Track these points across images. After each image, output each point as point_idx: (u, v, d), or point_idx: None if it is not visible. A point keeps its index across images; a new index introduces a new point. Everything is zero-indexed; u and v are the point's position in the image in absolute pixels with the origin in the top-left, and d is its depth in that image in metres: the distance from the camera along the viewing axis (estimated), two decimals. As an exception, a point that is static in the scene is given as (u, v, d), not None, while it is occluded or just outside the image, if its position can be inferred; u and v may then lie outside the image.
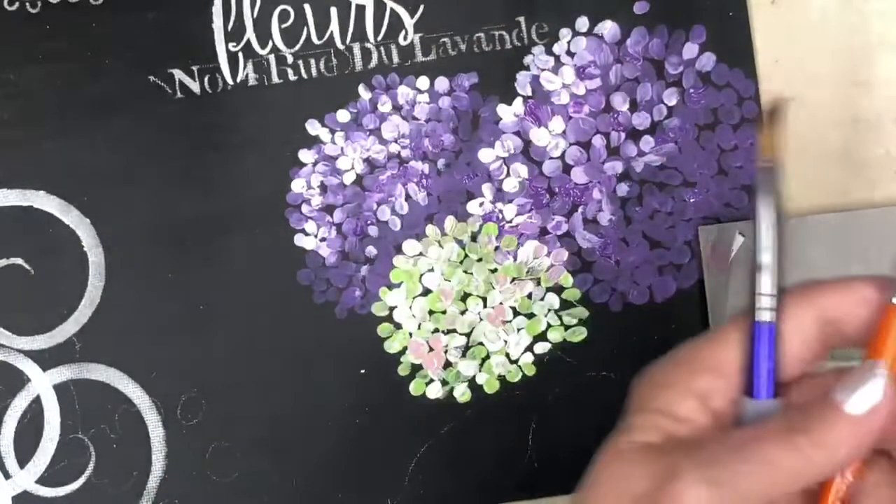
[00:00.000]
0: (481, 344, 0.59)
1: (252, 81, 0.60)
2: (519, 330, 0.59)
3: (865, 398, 0.33)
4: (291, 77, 0.60)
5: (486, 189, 0.59)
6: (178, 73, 0.60)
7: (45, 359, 0.59)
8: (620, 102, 0.59)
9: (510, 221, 0.59)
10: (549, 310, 0.59)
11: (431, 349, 0.59)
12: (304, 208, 0.59)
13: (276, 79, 0.60)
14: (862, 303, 0.36)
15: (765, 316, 0.36)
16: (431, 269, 0.59)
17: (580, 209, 0.59)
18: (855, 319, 0.36)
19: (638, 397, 0.39)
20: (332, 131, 0.60)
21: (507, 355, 0.59)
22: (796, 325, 0.37)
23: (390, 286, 0.59)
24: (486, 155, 0.59)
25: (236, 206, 0.59)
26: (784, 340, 0.37)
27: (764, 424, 0.34)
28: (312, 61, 0.60)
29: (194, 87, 0.60)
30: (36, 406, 0.59)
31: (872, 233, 0.57)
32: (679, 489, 0.33)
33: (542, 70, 0.59)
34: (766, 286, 0.36)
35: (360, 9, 0.60)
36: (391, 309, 0.59)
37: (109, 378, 0.59)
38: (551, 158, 0.59)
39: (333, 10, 0.60)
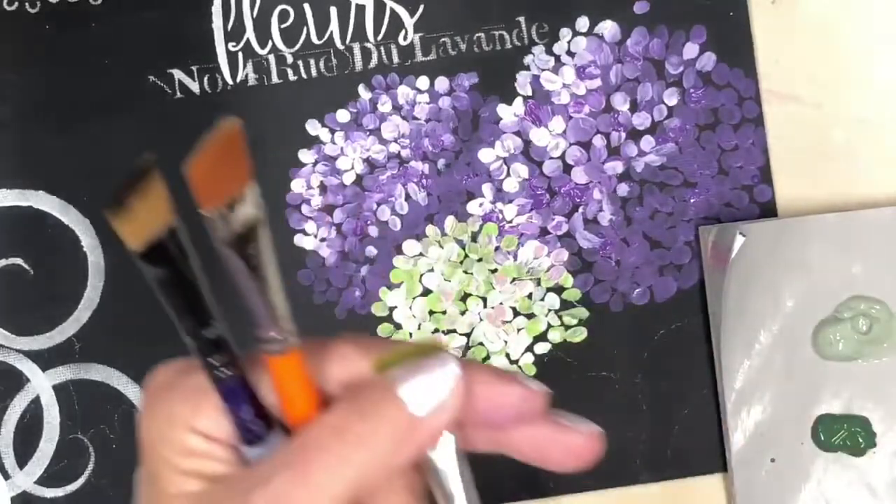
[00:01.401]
0: (481, 344, 0.59)
1: (252, 81, 0.60)
2: (519, 330, 0.59)
3: (428, 398, 0.31)
4: (291, 77, 0.60)
5: (486, 189, 0.59)
6: (178, 73, 0.60)
7: (45, 359, 0.59)
8: (621, 102, 0.59)
9: (510, 221, 0.59)
10: (550, 310, 0.59)
11: (431, 349, 0.59)
12: (304, 208, 0.59)
13: (275, 79, 0.60)
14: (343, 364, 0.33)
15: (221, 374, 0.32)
16: (431, 270, 0.59)
17: (580, 209, 0.59)
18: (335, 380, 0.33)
19: (149, 438, 0.33)
20: (332, 131, 0.60)
21: (508, 356, 0.59)
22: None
23: (390, 286, 0.59)
24: (486, 155, 0.59)
25: (236, 206, 0.59)
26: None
27: (314, 428, 0.31)
28: (312, 61, 0.60)
29: (194, 87, 0.60)
30: (35, 406, 0.59)
31: (872, 233, 0.57)
32: None
33: (543, 70, 0.59)
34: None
35: (360, 8, 0.60)
36: (391, 309, 0.59)
37: (109, 378, 0.59)
38: (551, 158, 0.59)
39: (333, 10, 0.60)
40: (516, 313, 0.59)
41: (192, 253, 0.32)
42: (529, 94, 0.59)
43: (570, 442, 0.35)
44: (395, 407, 0.31)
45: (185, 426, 0.33)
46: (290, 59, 0.60)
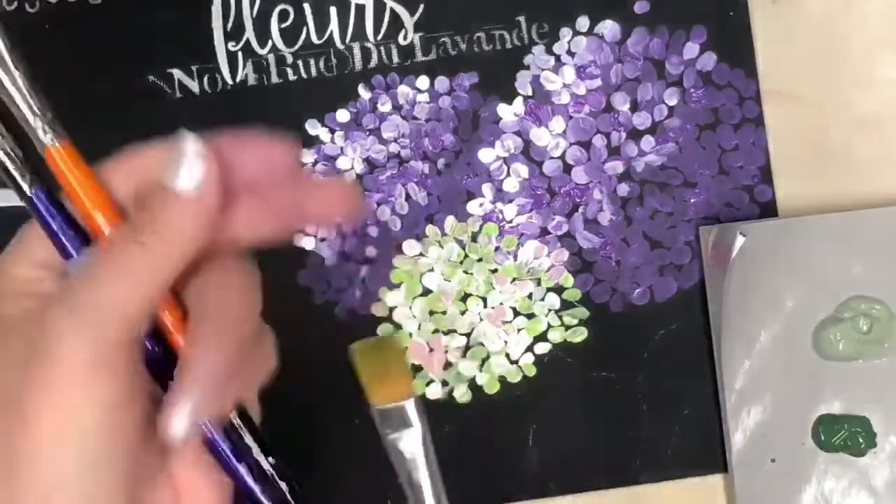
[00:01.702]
0: (481, 344, 0.59)
1: (252, 81, 0.60)
2: (519, 330, 0.59)
3: (190, 174, 0.34)
4: (291, 77, 0.60)
5: (486, 189, 0.59)
6: (178, 73, 0.60)
7: (45, 359, 0.59)
8: (621, 102, 0.59)
9: (510, 221, 0.59)
10: (550, 310, 0.59)
11: (431, 350, 0.59)
12: (304, 208, 0.59)
13: (275, 78, 0.60)
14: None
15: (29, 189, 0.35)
16: (431, 270, 0.59)
17: (580, 209, 0.59)
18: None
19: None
20: (332, 131, 0.60)
21: (508, 356, 0.59)
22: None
23: (390, 286, 0.59)
24: (486, 155, 0.59)
25: (236, 206, 0.59)
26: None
27: (112, 239, 0.34)
28: (312, 61, 0.60)
29: (194, 86, 0.60)
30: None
31: (872, 233, 0.57)
32: (47, 330, 0.32)
33: (543, 70, 0.59)
34: None
35: (360, 8, 0.60)
36: (391, 309, 0.59)
37: (109, 378, 0.59)
38: (552, 158, 0.59)
39: (333, 10, 0.60)
40: (516, 313, 0.59)
41: None
42: (529, 93, 0.59)
43: (329, 190, 0.37)
44: (171, 203, 0.33)
45: (12, 260, 0.36)
46: (289, 59, 0.60)
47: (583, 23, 0.59)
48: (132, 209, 0.36)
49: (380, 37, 0.60)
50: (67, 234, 0.35)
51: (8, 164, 0.35)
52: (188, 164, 0.34)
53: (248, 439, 0.36)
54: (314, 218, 0.38)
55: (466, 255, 0.59)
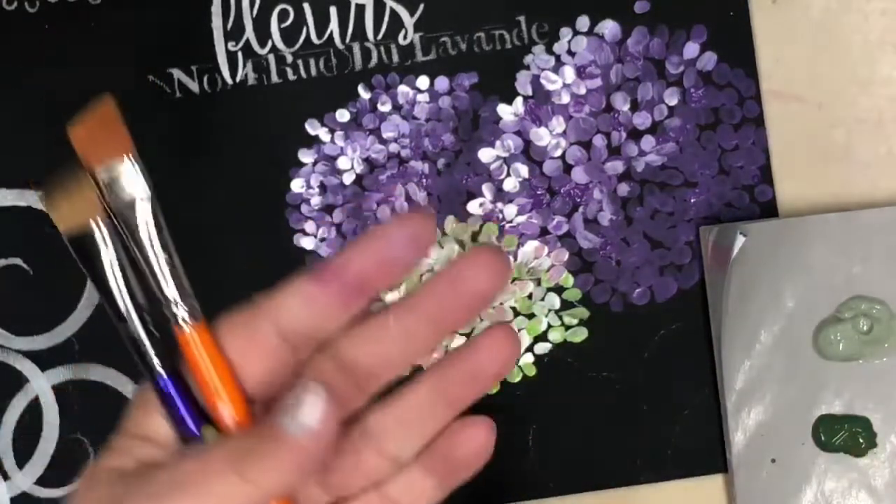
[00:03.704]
0: (481, 344, 0.59)
1: (251, 81, 0.60)
2: (519, 330, 0.59)
3: (304, 422, 0.32)
4: (291, 77, 0.60)
5: (486, 189, 0.59)
6: (178, 73, 0.60)
7: (44, 359, 0.59)
8: (621, 102, 0.59)
9: (510, 221, 0.59)
10: (550, 310, 0.59)
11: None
12: (304, 208, 0.59)
13: (275, 78, 0.60)
14: (302, 301, 0.35)
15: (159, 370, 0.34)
16: (431, 270, 0.59)
17: (581, 209, 0.59)
18: (304, 321, 0.35)
19: (125, 416, 0.37)
20: (332, 131, 0.60)
21: (508, 355, 0.59)
22: (246, 344, 0.35)
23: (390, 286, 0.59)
24: (486, 155, 0.59)
25: (236, 206, 0.59)
26: (238, 363, 0.35)
27: (211, 452, 0.33)
28: (312, 61, 0.60)
29: (193, 86, 0.60)
30: (35, 407, 0.59)
31: (873, 233, 0.57)
32: None
33: (543, 70, 0.59)
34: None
35: (360, 8, 0.60)
36: (391, 309, 0.59)
37: (109, 378, 0.59)
38: (552, 158, 0.59)
39: (333, 10, 0.60)
40: (517, 313, 0.59)
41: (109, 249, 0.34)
42: (529, 93, 0.59)
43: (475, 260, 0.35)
44: (283, 445, 0.32)
45: (127, 432, 0.36)
46: (289, 59, 0.60)
47: (583, 23, 0.59)
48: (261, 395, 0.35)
49: (380, 37, 0.60)
50: (187, 412, 0.34)
51: (145, 339, 0.34)
52: (305, 413, 0.32)
53: None
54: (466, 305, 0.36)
55: (466, 255, 0.59)
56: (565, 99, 0.59)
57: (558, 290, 0.59)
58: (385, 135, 0.59)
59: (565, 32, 0.59)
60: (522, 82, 0.59)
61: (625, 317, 0.59)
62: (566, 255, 0.59)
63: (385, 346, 0.35)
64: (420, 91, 0.60)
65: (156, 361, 0.34)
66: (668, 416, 0.58)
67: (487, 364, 0.36)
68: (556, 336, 0.59)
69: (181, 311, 0.34)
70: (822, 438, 0.56)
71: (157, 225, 0.34)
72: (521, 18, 0.60)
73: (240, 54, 0.60)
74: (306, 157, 0.59)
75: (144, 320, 0.34)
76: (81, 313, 0.59)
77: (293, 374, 0.35)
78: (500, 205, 0.59)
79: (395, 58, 0.60)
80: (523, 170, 0.59)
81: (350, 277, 0.34)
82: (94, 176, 0.33)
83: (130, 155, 0.33)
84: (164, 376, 0.34)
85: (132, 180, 0.33)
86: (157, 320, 0.34)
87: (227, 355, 0.34)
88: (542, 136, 0.59)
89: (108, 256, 0.34)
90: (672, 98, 0.59)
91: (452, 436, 0.37)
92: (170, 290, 0.34)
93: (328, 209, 0.59)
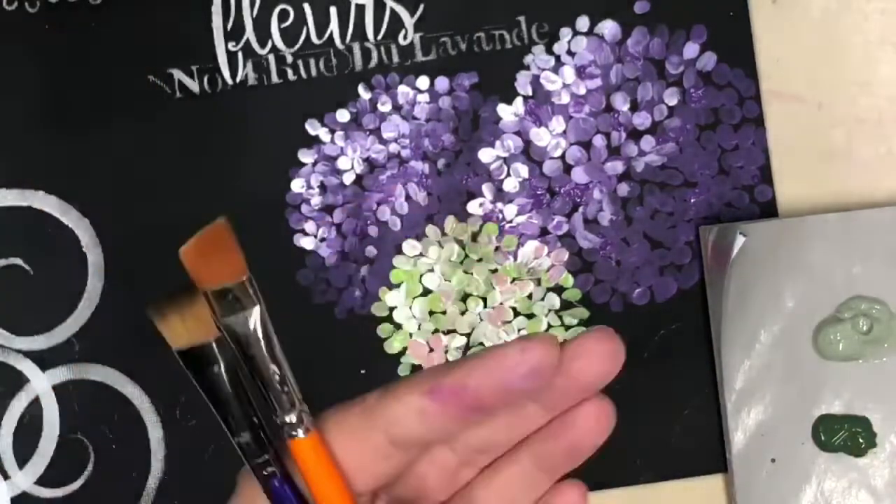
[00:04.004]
0: (482, 344, 0.59)
1: (252, 81, 0.60)
2: (519, 330, 0.59)
3: None
4: (291, 77, 0.60)
5: (486, 189, 0.59)
6: (178, 73, 0.60)
7: (44, 359, 0.59)
8: (621, 102, 0.59)
9: (510, 221, 0.59)
10: (550, 310, 0.59)
11: (432, 350, 0.59)
12: (304, 208, 0.59)
13: (275, 78, 0.60)
14: (416, 415, 0.35)
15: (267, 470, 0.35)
16: (431, 270, 0.59)
17: (580, 209, 0.59)
18: (416, 432, 0.35)
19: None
20: (332, 131, 0.60)
21: (508, 355, 0.59)
22: (357, 446, 0.35)
23: (390, 286, 0.59)
24: (486, 155, 0.59)
25: (236, 205, 0.59)
26: (346, 462, 0.35)
27: None
28: (312, 61, 0.60)
29: (194, 87, 0.60)
30: (35, 407, 0.59)
31: (872, 233, 0.57)
32: None
33: (543, 70, 0.59)
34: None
35: (360, 8, 0.60)
36: (391, 309, 0.59)
37: (109, 378, 0.59)
38: (552, 158, 0.59)
39: (333, 10, 0.60)
40: (517, 313, 0.59)
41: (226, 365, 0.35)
42: (529, 93, 0.59)
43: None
44: None
45: None
46: (289, 59, 0.60)
47: (583, 23, 0.59)
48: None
49: (380, 37, 0.60)
50: None
51: (258, 449, 0.35)
52: None
53: None
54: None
55: (466, 255, 0.59)
56: (565, 99, 0.59)
57: (558, 290, 0.59)
58: (385, 135, 0.59)
59: (565, 32, 0.59)
60: (522, 82, 0.59)
61: (625, 317, 0.59)
62: (566, 255, 0.59)
63: (495, 430, 0.36)
64: (420, 91, 0.60)
65: (269, 469, 0.35)
66: (668, 416, 0.58)
67: (586, 438, 0.36)
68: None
69: (294, 423, 0.34)
70: (822, 438, 0.56)
71: (268, 341, 0.34)
72: (521, 18, 0.60)
73: (240, 54, 0.60)
74: (306, 157, 0.59)
75: (256, 430, 0.35)
76: (81, 313, 0.59)
77: (399, 468, 0.36)
78: (500, 205, 0.59)
79: (395, 58, 0.60)
80: (523, 170, 0.59)
81: (468, 399, 0.34)
82: (207, 295, 0.34)
83: (244, 275, 0.34)
84: (277, 483, 0.35)
85: (245, 300, 0.34)
86: (268, 429, 0.35)
87: (337, 457, 0.35)
88: (542, 136, 0.59)
89: (220, 371, 0.35)
90: (672, 98, 0.59)
91: (548, 499, 0.37)
92: (283, 402, 0.35)
93: (328, 209, 0.59)
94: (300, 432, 0.34)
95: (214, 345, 0.35)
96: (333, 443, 0.35)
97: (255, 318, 0.34)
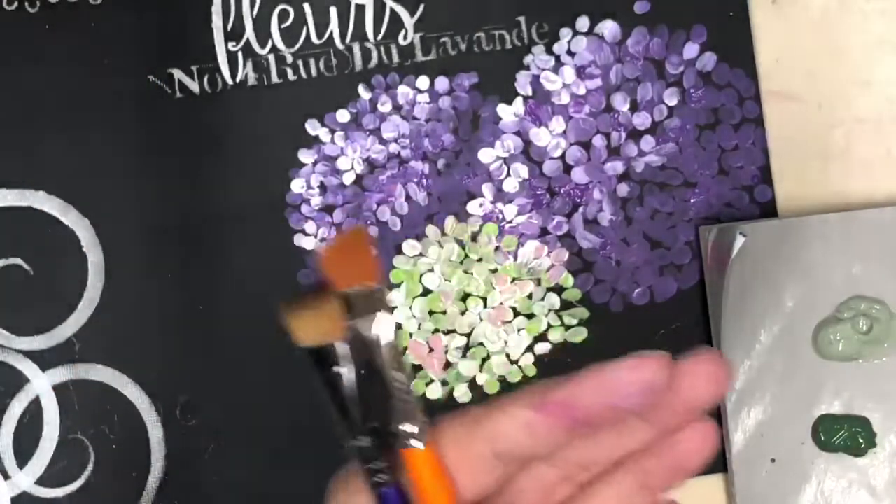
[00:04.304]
0: (481, 344, 0.59)
1: (252, 81, 0.60)
2: (519, 330, 0.59)
3: None
4: (291, 77, 0.60)
5: (486, 189, 0.59)
6: (178, 73, 0.60)
7: (45, 359, 0.59)
8: (621, 102, 0.59)
9: (510, 221, 0.59)
10: (550, 310, 0.59)
11: (431, 350, 0.59)
12: (304, 208, 0.59)
13: (275, 78, 0.60)
14: (523, 428, 0.34)
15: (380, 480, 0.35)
16: (431, 270, 0.59)
17: (580, 209, 0.59)
18: (522, 446, 0.35)
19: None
20: (332, 131, 0.60)
21: (508, 356, 0.59)
22: (461, 457, 0.35)
23: (390, 286, 0.59)
24: (486, 155, 0.59)
25: (236, 206, 0.59)
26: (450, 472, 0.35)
27: None
28: (312, 61, 0.60)
29: (194, 87, 0.60)
30: (35, 407, 0.59)
31: (872, 233, 0.57)
32: None
33: (543, 70, 0.59)
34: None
35: (360, 8, 0.60)
36: (391, 309, 0.59)
37: (109, 378, 0.59)
38: (551, 158, 0.59)
39: (333, 10, 0.60)
40: (516, 313, 0.59)
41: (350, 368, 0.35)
42: (529, 94, 0.59)
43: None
44: None
45: None
46: (290, 59, 0.60)
47: (583, 23, 0.59)
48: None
49: (380, 37, 0.60)
50: None
51: (373, 454, 0.35)
52: None
53: None
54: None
55: (466, 255, 0.59)
56: (565, 99, 0.59)
57: (558, 290, 0.59)
58: (385, 135, 0.59)
59: (565, 33, 0.59)
60: (522, 82, 0.59)
61: (625, 317, 0.59)
62: (566, 255, 0.59)
63: (598, 446, 0.36)
64: (420, 91, 0.60)
65: (382, 476, 0.35)
66: (668, 415, 0.58)
67: (691, 458, 0.36)
68: (556, 336, 0.59)
69: (413, 433, 0.35)
70: (822, 438, 0.56)
71: (396, 349, 0.35)
72: (521, 18, 0.60)
73: (240, 54, 0.60)
74: (306, 157, 0.60)
75: (374, 434, 0.35)
76: (81, 313, 0.59)
77: (499, 481, 0.35)
78: (500, 205, 0.59)
79: (395, 58, 0.60)
80: (523, 170, 0.59)
81: (577, 414, 0.34)
82: (341, 298, 0.34)
83: (378, 281, 0.35)
84: (388, 491, 0.35)
85: (377, 305, 0.34)
86: (385, 436, 0.35)
87: (447, 471, 0.35)
88: (542, 137, 0.59)
89: (344, 372, 0.35)
90: (672, 98, 0.59)
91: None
92: (404, 411, 0.35)
93: (328, 209, 0.59)
94: (418, 443, 0.34)
95: (340, 345, 0.35)
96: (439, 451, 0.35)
97: (384, 324, 0.34)
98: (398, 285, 0.59)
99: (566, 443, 0.35)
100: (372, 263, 0.35)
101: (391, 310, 0.35)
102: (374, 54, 0.60)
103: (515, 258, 0.59)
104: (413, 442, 0.34)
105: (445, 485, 0.34)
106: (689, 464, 0.36)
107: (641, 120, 0.59)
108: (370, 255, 0.35)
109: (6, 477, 0.59)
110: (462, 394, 0.59)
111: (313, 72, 0.60)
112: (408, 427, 0.34)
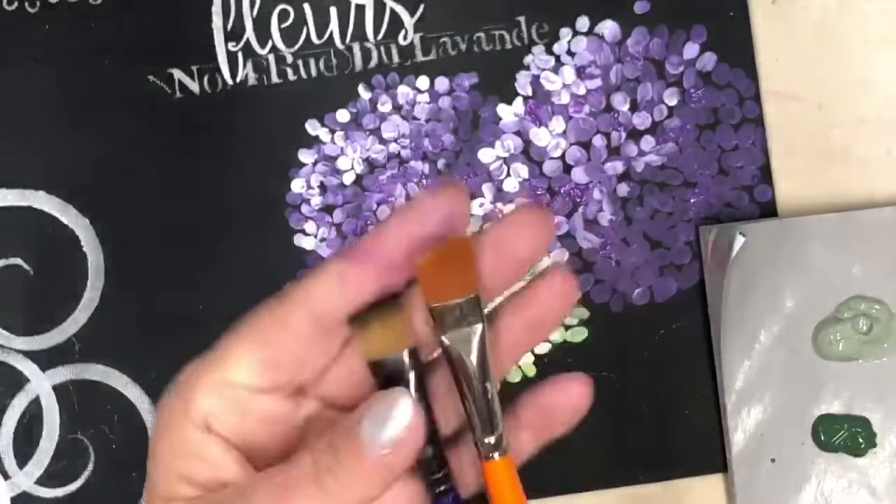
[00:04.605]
0: (481, 344, 0.59)
1: (252, 81, 0.60)
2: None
3: (390, 432, 0.31)
4: (291, 77, 0.60)
5: (486, 189, 0.59)
6: (178, 73, 0.60)
7: (45, 359, 0.59)
8: (621, 102, 0.59)
9: (510, 221, 0.59)
10: (550, 310, 0.59)
11: (431, 349, 0.59)
12: (304, 208, 0.59)
13: (275, 78, 0.60)
14: (334, 282, 0.33)
15: None
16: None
17: (580, 209, 0.59)
18: (338, 303, 0.34)
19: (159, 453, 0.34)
20: (332, 131, 0.60)
21: (508, 355, 0.59)
22: (279, 333, 0.34)
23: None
24: (486, 155, 0.59)
25: (236, 206, 0.59)
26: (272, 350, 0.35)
27: (294, 468, 0.32)
28: (312, 61, 0.60)
29: (194, 87, 0.60)
30: (35, 407, 0.59)
31: (872, 233, 0.57)
32: None
33: (543, 70, 0.59)
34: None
35: (360, 8, 0.60)
36: (391, 309, 0.59)
37: (109, 378, 0.59)
38: (551, 158, 0.59)
39: (333, 10, 0.60)
40: (516, 313, 0.59)
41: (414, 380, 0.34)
42: (529, 94, 0.59)
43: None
44: (359, 457, 0.31)
45: (187, 416, 0.33)
46: (290, 59, 0.60)
47: (583, 23, 0.59)
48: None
49: (380, 37, 0.60)
50: None
51: (442, 462, 0.35)
52: (391, 427, 0.31)
53: None
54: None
55: (466, 255, 0.59)
56: (565, 99, 0.59)
57: (558, 290, 0.59)
58: (385, 135, 0.59)
59: (565, 33, 0.59)
60: (522, 82, 0.59)
61: (625, 317, 0.59)
62: (566, 256, 0.59)
63: None
64: (420, 91, 0.60)
65: (445, 486, 0.35)
66: (668, 416, 0.58)
67: (549, 309, 0.36)
68: (555, 336, 0.59)
69: (493, 444, 0.34)
70: (822, 438, 0.56)
71: (484, 360, 0.34)
72: (521, 18, 0.60)
73: (240, 54, 0.60)
74: (306, 157, 0.60)
75: (438, 445, 0.35)
76: (81, 313, 0.59)
77: (326, 355, 0.34)
78: (500, 205, 0.59)
79: (395, 58, 0.60)
80: (523, 170, 0.59)
81: (384, 255, 0.33)
82: (433, 310, 0.34)
83: (474, 292, 0.34)
84: (451, 501, 0.35)
85: (472, 317, 0.34)
86: (448, 446, 0.35)
87: (259, 356, 0.34)
88: (542, 137, 0.59)
89: (409, 384, 0.34)
90: (672, 98, 0.59)
91: (551, 392, 0.37)
92: (488, 422, 0.34)
93: (328, 209, 0.59)
94: (497, 455, 0.34)
95: (406, 356, 0.34)
96: (252, 340, 0.34)
97: (477, 335, 0.34)
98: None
99: (378, 290, 0.34)
100: (472, 274, 0.34)
101: (483, 319, 0.34)
102: (374, 54, 0.60)
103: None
104: (493, 454, 0.34)
105: (521, 497, 0.35)
106: (546, 321, 0.36)
107: (641, 120, 0.59)
108: (471, 266, 0.34)
109: (6, 477, 0.59)
110: (462, 394, 0.59)
111: (313, 72, 0.60)
112: (490, 439, 0.34)
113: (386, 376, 0.34)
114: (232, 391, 0.34)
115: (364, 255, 0.33)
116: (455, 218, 0.33)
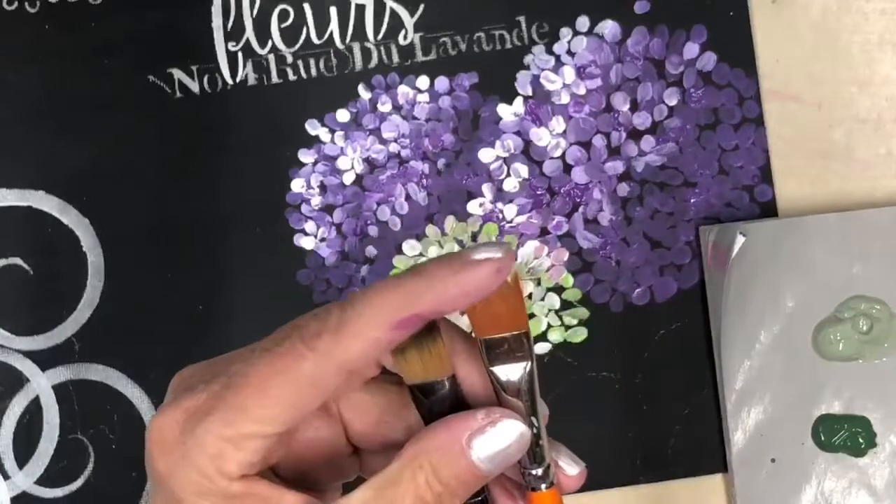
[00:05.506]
0: (481, 344, 0.59)
1: (252, 81, 0.60)
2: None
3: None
4: (291, 77, 0.60)
5: (487, 189, 0.59)
6: (178, 73, 0.60)
7: (44, 359, 0.59)
8: (621, 102, 0.59)
9: (510, 221, 0.59)
10: (550, 310, 0.59)
11: (432, 349, 0.59)
12: (304, 208, 0.59)
13: (275, 78, 0.60)
14: (373, 348, 0.34)
15: None
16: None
17: (580, 209, 0.59)
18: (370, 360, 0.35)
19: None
20: (332, 131, 0.60)
21: (508, 355, 0.59)
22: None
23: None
24: (486, 155, 0.59)
25: (236, 206, 0.59)
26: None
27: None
28: (312, 61, 0.60)
29: (194, 87, 0.60)
30: (35, 406, 0.59)
31: (872, 233, 0.57)
32: None
33: (543, 70, 0.59)
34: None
35: (360, 8, 0.60)
36: (391, 309, 0.59)
37: (109, 378, 0.59)
38: (552, 158, 0.59)
39: (333, 10, 0.60)
40: (516, 313, 0.59)
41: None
42: (529, 93, 0.59)
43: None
44: (471, 474, 0.33)
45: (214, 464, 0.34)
46: (289, 59, 0.60)
47: (583, 23, 0.59)
48: None
49: (380, 37, 0.60)
50: None
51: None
52: (502, 448, 0.34)
53: None
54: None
55: (466, 255, 0.59)
56: (565, 99, 0.59)
57: (558, 290, 0.59)
58: (385, 135, 0.59)
59: (565, 32, 0.59)
60: (522, 82, 0.59)
61: (625, 317, 0.59)
62: (566, 255, 0.59)
63: None
64: (420, 91, 0.60)
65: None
66: (668, 416, 0.58)
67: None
68: (556, 336, 0.59)
69: (539, 476, 0.35)
70: (822, 438, 0.56)
71: (533, 396, 0.35)
72: (521, 18, 0.60)
73: (240, 54, 0.60)
74: (306, 157, 0.60)
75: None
76: (81, 313, 0.59)
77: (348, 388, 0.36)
78: (500, 205, 0.59)
79: (395, 58, 0.60)
80: (523, 170, 0.59)
81: (429, 315, 0.34)
82: (482, 342, 0.35)
83: (522, 328, 0.35)
84: None
85: (519, 353, 0.35)
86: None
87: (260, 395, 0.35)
88: (542, 136, 0.59)
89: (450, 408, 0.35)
90: (672, 98, 0.59)
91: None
92: (535, 455, 0.35)
93: (328, 209, 0.59)
94: (543, 486, 0.35)
95: (447, 382, 0.35)
96: (274, 395, 0.34)
97: (524, 371, 0.35)
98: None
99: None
100: (520, 311, 0.35)
101: (531, 355, 0.35)
102: (374, 54, 0.60)
103: (515, 258, 0.59)
104: (539, 485, 0.35)
105: None
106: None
107: (641, 120, 0.59)
108: (519, 304, 0.35)
109: (6, 477, 0.59)
110: (462, 394, 0.59)
111: (313, 72, 0.60)
112: (538, 470, 0.35)
113: (427, 399, 0.35)
114: (253, 442, 0.34)
115: (416, 321, 0.34)
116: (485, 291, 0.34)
